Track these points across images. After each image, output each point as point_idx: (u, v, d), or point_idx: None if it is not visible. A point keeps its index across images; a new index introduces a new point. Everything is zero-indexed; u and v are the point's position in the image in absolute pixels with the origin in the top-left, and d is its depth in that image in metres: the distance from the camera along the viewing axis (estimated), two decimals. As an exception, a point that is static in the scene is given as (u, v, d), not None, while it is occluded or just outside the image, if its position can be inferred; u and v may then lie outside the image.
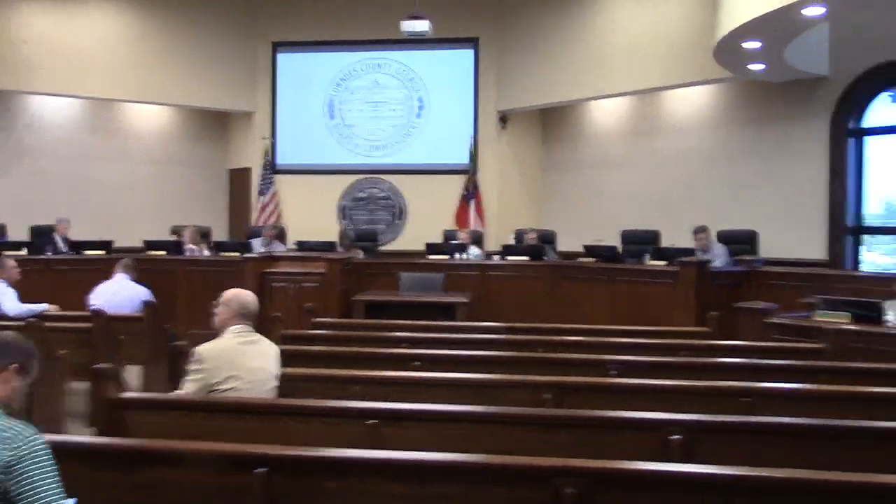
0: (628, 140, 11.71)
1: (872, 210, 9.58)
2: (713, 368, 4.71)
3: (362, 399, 3.57)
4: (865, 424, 3.22)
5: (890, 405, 3.81)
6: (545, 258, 9.97)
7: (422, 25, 10.22)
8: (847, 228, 9.34)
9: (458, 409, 3.30)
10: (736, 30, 7.92)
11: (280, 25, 12.90)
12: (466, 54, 12.57)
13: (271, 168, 12.57)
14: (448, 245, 10.51)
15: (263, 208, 12.41)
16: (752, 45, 8.32)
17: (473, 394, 3.86)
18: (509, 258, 9.95)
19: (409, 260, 10.16)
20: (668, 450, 3.04)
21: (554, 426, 3.19)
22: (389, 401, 3.46)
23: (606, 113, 12.02)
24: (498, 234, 11.71)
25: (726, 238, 9.43)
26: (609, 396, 3.84)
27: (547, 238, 10.98)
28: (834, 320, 6.11)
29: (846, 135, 9.32)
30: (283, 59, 12.93)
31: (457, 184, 11.96)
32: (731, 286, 8.32)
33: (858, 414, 3.49)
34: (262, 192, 12.44)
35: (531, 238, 10.59)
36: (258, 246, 10.44)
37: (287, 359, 4.04)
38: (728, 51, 8.64)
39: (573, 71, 11.46)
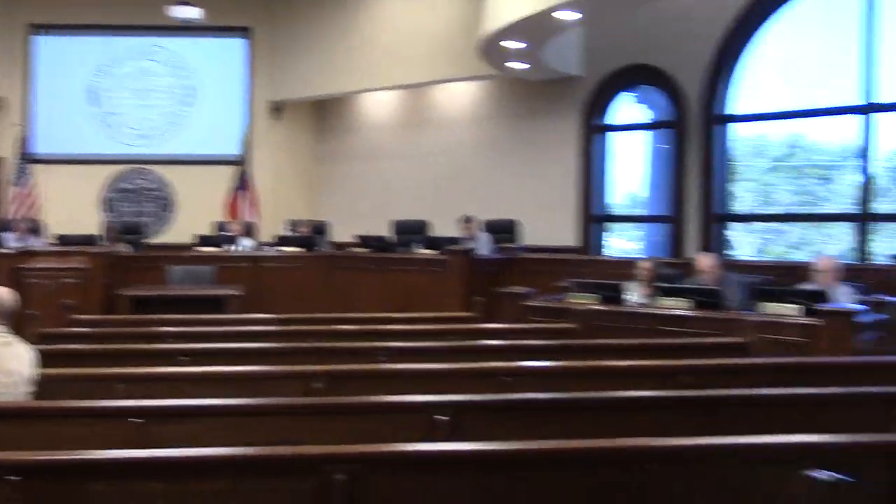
0: (400, 132, 11.86)
1: (617, 200, 10.27)
2: (477, 351, 4.87)
3: (128, 398, 3.42)
4: (614, 395, 3.45)
5: (634, 377, 4.10)
6: (319, 249, 9.91)
7: (191, 12, 9.87)
8: (595, 217, 9.96)
9: (226, 403, 3.23)
10: (498, 30, 8.22)
11: (38, 7, 12.02)
12: (238, 44, 12.29)
13: (27, 157, 11.56)
14: (219, 237, 10.22)
15: (19, 199, 11.36)
16: (513, 44, 8.64)
17: (244, 387, 3.77)
18: (283, 249, 9.81)
19: (178, 253, 9.82)
20: (436, 430, 3.11)
21: (324, 414, 3.19)
22: (156, 398, 3.33)
23: (379, 105, 12.08)
24: (271, 226, 11.55)
25: (490, 227, 9.74)
26: (379, 382, 3.88)
27: (320, 229, 10.92)
28: (584, 302, 6.53)
29: (594, 131, 9.91)
30: (40, 42, 12.06)
31: (228, 175, 11.61)
32: (494, 272, 8.64)
33: (608, 386, 3.73)
34: (16, 183, 11.39)
35: (304, 229, 10.50)
36: (10, 240, 9.65)
37: (46, 359, 3.78)
38: (491, 49, 8.96)
39: (345, 63, 11.44)
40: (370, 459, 2.46)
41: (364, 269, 9.17)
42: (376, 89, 11.60)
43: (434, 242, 9.05)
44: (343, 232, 11.09)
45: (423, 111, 11.60)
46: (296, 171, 12.63)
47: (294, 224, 11.01)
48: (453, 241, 8.97)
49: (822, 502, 1.95)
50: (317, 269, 9.47)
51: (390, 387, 3.74)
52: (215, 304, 7.95)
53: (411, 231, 10.08)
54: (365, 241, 9.61)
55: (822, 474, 1.98)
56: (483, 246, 9.19)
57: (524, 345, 5.04)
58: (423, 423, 3.14)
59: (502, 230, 9.80)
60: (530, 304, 6.60)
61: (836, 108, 8.65)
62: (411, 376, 4.00)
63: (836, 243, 8.96)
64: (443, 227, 9.98)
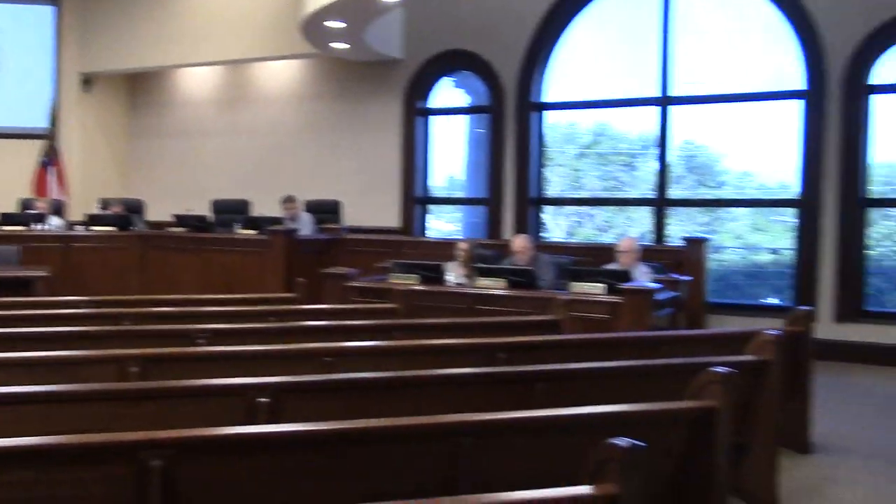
0: (219, 109, 11.46)
1: (437, 182, 10.39)
2: (299, 332, 4.80)
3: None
4: (435, 373, 3.48)
5: (454, 355, 4.18)
6: (133, 228, 9.48)
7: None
8: (417, 199, 10.02)
9: (36, 390, 3.03)
10: (320, 9, 8.05)
11: None
12: (46, 11, 11.45)
13: None
14: (25, 215, 9.55)
15: None
16: (335, 24, 8.50)
17: (54, 372, 3.55)
18: (95, 229, 9.30)
19: (-22, 231, 9.17)
20: (257, 413, 3.04)
21: (140, 399, 3.04)
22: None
23: (197, 81, 11.63)
24: (81, 204, 10.88)
25: (313, 207, 9.62)
26: (197, 365, 3.74)
27: (135, 207, 10.46)
28: (405, 282, 6.59)
29: (415, 114, 9.93)
30: None
31: (35, 149, 10.81)
32: (317, 253, 8.55)
33: (430, 364, 3.77)
34: None
35: (117, 208, 10.00)
36: None
37: None
38: (313, 28, 8.77)
39: (160, 36, 10.92)
40: (187, 444, 2.37)
41: (182, 250, 8.82)
42: (193, 65, 11.16)
43: (255, 223, 8.84)
44: (159, 211, 10.67)
45: (243, 88, 11.24)
46: (108, 147, 11.95)
47: (106, 202, 10.48)
48: (275, 221, 8.81)
49: (623, 466, 2.04)
50: (131, 249, 9.03)
51: (210, 370, 3.63)
52: (22, 286, 7.35)
53: (231, 211, 9.80)
54: (182, 220, 9.25)
55: (623, 441, 2.07)
56: (305, 227, 9.07)
57: (347, 325, 5.00)
58: (243, 406, 3.06)
59: (325, 211, 9.69)
60: (353, 284, 6.60)
61: (636, 99, 9.02)
62: (231, 359, 3.87)
63: (637, 226, 9.49)
64: (264, 207, 9.77)
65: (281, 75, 10.96)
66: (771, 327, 4.10)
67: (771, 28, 8.20)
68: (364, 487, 2.53)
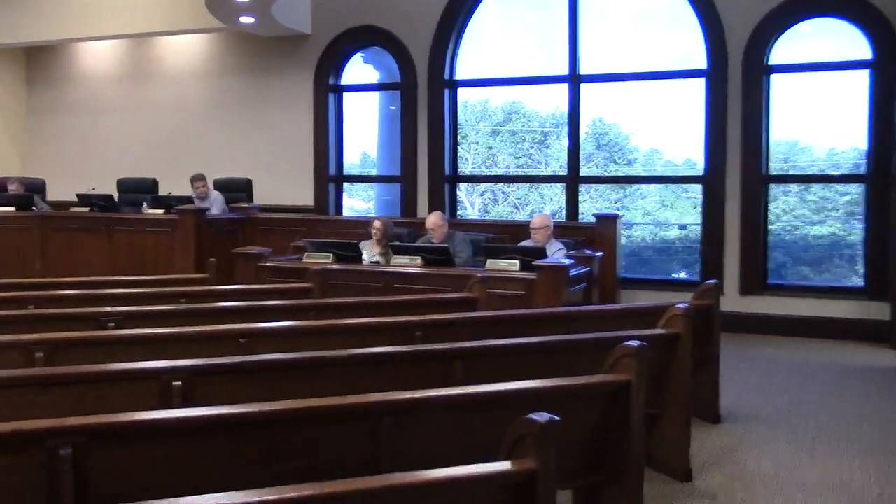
0: (124, 85, 11.10)
1: (351, 160, 10.32)
2: (212, 313, 4.73)
3: None
4: (352, 353, 3.46)
5: (372, 334, 4.18)
6: (35, 209, 9.09)
7: None
8: (330, 177, 9.90)
9: (-67, 380, 2.94)
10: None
11: None
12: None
13: None
14: (-86, 195, 9.12)
15: None
16: (241, -2, 8.40)
17: (-47, 361, 3.45)
18: (-8, 209, 9.03)
19: None
20: (170, 397, 2.99)
21: (48, 386, 2.95)
22: None
23: (99, 56, 11.23)
24: (-23, 183, 10.43)
25: (223, 186, 9.46)
26: (107, 349, 3.64)
27: (35, 187, 10.03)
28: (320, 261, 6.55)
29: (327, 90, 9.81)
30: None
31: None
32: (228, 233, 8.41)
33: (346, 344, 3.74)
34: None
35: (15, 187, 9.54)
36: None
37: None
38: (219, 2, 8.58)
39: (60, 9, 10.44)
40: (97, 431, 2.31)
41: (88, 231, 8.52)
42: (94, 38, 10.76)
43: (164, 202, 8.65)
44: (62, 191, 10.32)
45: (148, 64, 10.91)
46: (5, 123, 11.45)
47: (3, 181, 10.00)
48: (185, 200, 8.64)
49: (540, 441, 2.06)
50: (32, 230, 8.67)
51: (120, 354, 3.55)
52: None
53: (138, 190, 9.58)
54: (86, 200, 8.94)
55: (539, 416, 2.10)
56: (216, 206, 8.93)
57: (260, 306, 4.95)
58: (156, 390, 3.00)
59: (236, 189, 9.55)
60: (266, 264, 6.54)
61: (547, 77, 9.07)
62: (142, 342, 3.79)
63: (550, 203, 9.63)
64: (173, 186, 9.57)
65: (187, 50, 10.68)
66: (681, 301, 4.20)
67: (676, 8, 8.36)
68: (284, 469, 2.51)
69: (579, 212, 8.80)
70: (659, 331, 3.99)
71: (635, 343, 3.02)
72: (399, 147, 9.59)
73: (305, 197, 9.89)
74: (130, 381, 3.05)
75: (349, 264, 6.57)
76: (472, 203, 10.20)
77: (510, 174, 9.84)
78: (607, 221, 7.58)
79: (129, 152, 10.92)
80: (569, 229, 7.65)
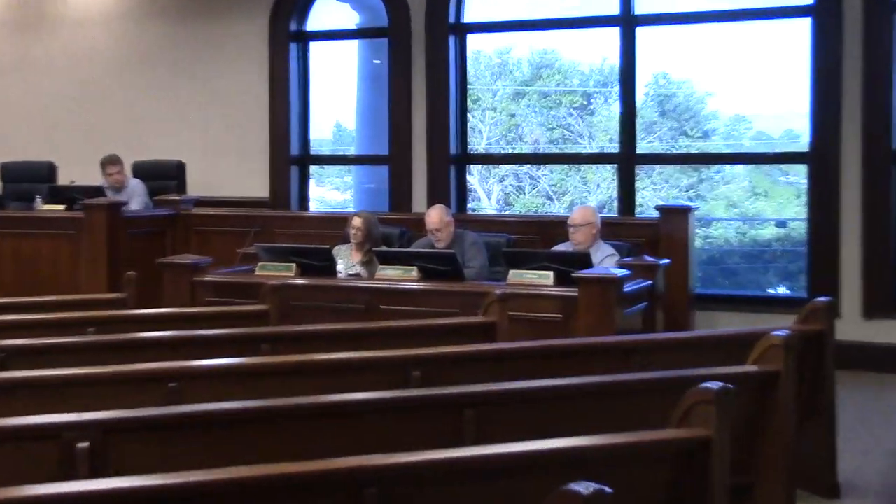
0: (6, 35, 11.07)
1: (321, 134, 10.44)
2: (131, 347, 4.74)
3: None
4: (326, 400, 3.46)
5: (352, 373, 4.20)
6: None
7: None
8: (292, 158, 9.92)
9: None
10: None
11: None
12: None
13: None
14: None
15: None
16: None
17: None
18: None
19: None
20: (74, 463, 2.99)
21: None
22: None
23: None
24: None
25: (146, 172, 9.48)
26: (-9, 396, 3.72)
27: None
28: (278, 274, 6.60)
29: (287, 38, 9.81)
30: None
31: None
32: (153, 235, 8.45)
33: (318, 387, 3.73)
34: None
35: None
36: None
37: None
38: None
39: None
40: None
41: (-45, 236, 8.68)
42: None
43: (64, 194, 8.64)
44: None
45: (40, 7, 10.91)
46: None
47: None
48: (93, 192, 8.62)
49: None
50: None
51: (9, 403, 3.57)
52: None
53: (30, 178, 9.60)
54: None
55: (583, 486, 2.09)
56: (135, 198, 8.93)
57: (198, 336, 4.96)
58: (55, 453, 3.00)
59: (163, 176, 9.57)
60: (204, 279, 6.57)
61: (592, 17, 9.09)
62: (38, 387, 3.79)
63: (596, 192, 9.65)
64: (77, 172, 9.55)
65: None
66: (779, 327, 4.18)
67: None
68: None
69: (636, 203, 8.80)
70: (749, 368, 3.97)
71: (716, 385, 3.00)
72: (387, 116, 9.56)
73: (258, 186, 9.92)
74: (19, 441, 3.04)
75: (319, 278, 6.60)
76: (489, 192, 10.23)
77: (540, 152, 9.87)
78: (676, 217, 7.58)
79: (17, 128, 10.89)
80: (622, 228, 7.67)
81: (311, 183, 10.25)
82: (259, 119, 9.96)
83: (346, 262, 7.06)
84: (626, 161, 8.84)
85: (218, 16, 10.13)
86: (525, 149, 9.99)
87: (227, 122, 10.12)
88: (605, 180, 9.40)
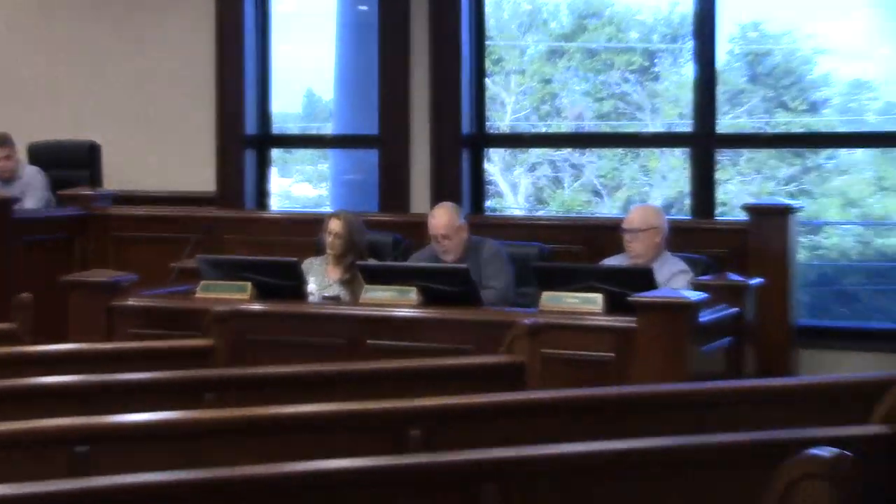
0: None
1: (286, 106, 10.54)
2: (24, 396, 4.72)
3: None
4: (296, 469, 3.42)
5: (330, 433, 4.18)
6: None
7: None
8: (247, 139, 9.95)
9: None
10: None
11: None
12: None
13: None
14: None
15: None
16: None
17: None
18: None
19: None
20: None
21: None
22: None
23: None
24: None
25: (48, 156, 9.58)
26: None
27: None
28: (228, 296, 6.62)
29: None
30: None
31: None
32: (55, 243, 8.54)
33: (284, 451, 3.78)
34: None
35: None
36: None
37: None
38: None
39: None
40: None
41: None
42: None
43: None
44: None
45: None
46: None
47: None
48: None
49: None
50: None
51: None
52: None
53: None
54: None
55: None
56: (32, 193, 9.00)
57: (115, 382, 4.91)
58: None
59: (71, 162, 9.68)
60: (126, 303, 6.60)
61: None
62: None
63: (662, 184, 9.75)
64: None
65: None
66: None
67: None
68: None
69: (717, 202, 8.82)
70: (877, 428, 3.94)
71: (829, 452, 2.96)
72: (376, 83, 9.60)
73: (201, 177, 9.94)
74: None
75: (283, 303, 6.68)
76: (515, 186, 10.26)
77: (585, 131, 9.95)
78: (771, 220, 7.61)
79: None
80: (697, 235, 7.74)
81: (273, 173, 10.34)
82: (203, 86, 9.99)
83: (321, 280, 7.12)
84: (703, 143, 8.81)
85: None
86: (564, 127, 9.97)
87: (159, 90, 10.15)
88: (673, 170, 9.43)
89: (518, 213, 9.87)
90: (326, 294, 6.97)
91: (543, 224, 8.64)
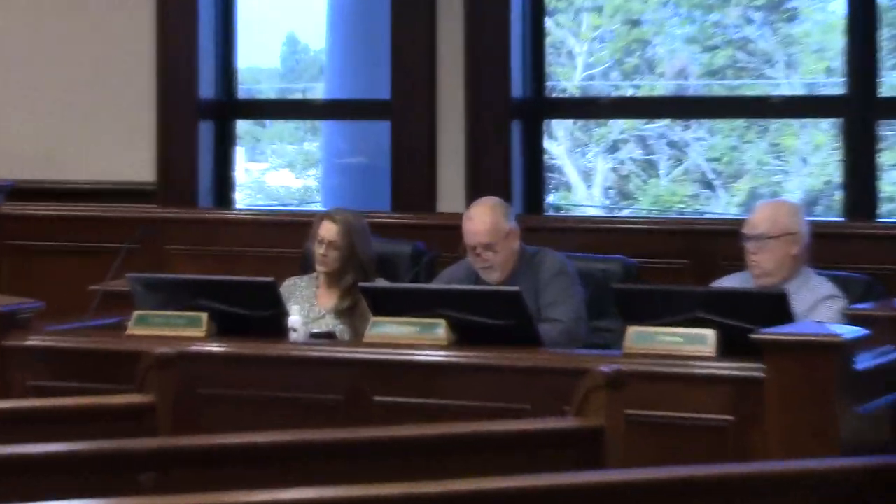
0: None
1: (257, 59, 10.76)
2: None
3: None
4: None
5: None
6: None
7: None
8: (201, 104, 10.03)
9: None
10: None
11: None
12: None
13: None
14: None
15: None
16: None
17: None
18: None
19: None
20: None
21: None
22: None
23: None
24: None
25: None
26: None
27: None
28: (174, 334, 6.63)
29: None
30: None
31: None
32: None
33: None
34: None
35: None
36: None
37: None
38: None
39: None
40: None
41: None
42: None
43: None
44: None
45: None
46: None
47: None
48: None
49: None
50: None
51: None
52: None
53: None
54: None
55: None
56: None
57: (9, 458, 4.89)
58: None
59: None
60: (26, 343, 6.65)
61: None
62: None
63: (799, 172, 9.83)
64: None
65: None
66: None
67: None
68: None
69: (879, 196, 8.93)
70: None
71: None
72: (387, 27, 9.73)
73: (135, 160, 10.12)
74: None
75: (253, 342, 6.68)
76: (588, 173, 10.42)
77: (689, 94, 10.10)
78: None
79: None
80: (853, 243, 7.81)
81: (239, 155, 10.54)
82: (136, 31, 10.18)
83: (308, 309, 7.16)
84: (860, 112, 8.90)
85: None
86: (660, 89, 10.12)
87: (74, 38, 10.33)
88: (817, 150, 9.53)
89: (593, 212, 9.93)
90: (316, 329, 6.93)
91: (629, 228, 8.65)
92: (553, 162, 10.00)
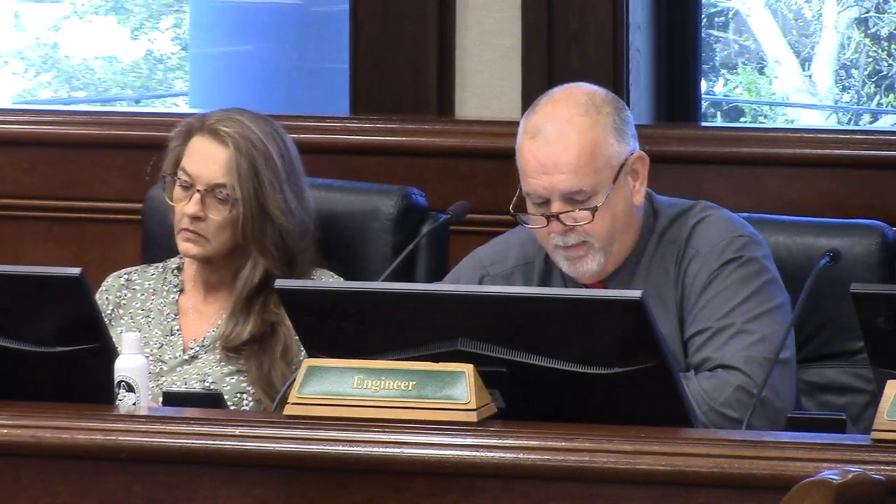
0: None
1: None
2: None
3: None
4: None
5: None
6: None
7: None
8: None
9: None
10: None
11: None
12: None
13: None
14: None
15: None
16: None
17: None
18: None
19: None
20: None
21: None
22: None
23: None
24: None
25: None
26: None
27: None
28: None
29: None
30: None
31: None
32: None
33: None
34: None
35: None
36: None
37: None
38: None
39: None
40: None
41: None
42: None
43: None
44: None
45: None
46: None
47: None
48: None
49: None
50: None
51: None
52: None
53: None
54: None
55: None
56: None
57: None
58: None
59: None
60: None
61: None
62: None
63: None
64: None
65: None
66: None
67: None
68: None
69: None
70: None
71: None
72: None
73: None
74: None
75: (36, 420, 6.29)
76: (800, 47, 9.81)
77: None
78: None
79: None
80: None
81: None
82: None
83: (161, 338, 6.73)
84: None
85: None
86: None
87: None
88: None
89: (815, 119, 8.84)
90: (178, 386, 6.20)
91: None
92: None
